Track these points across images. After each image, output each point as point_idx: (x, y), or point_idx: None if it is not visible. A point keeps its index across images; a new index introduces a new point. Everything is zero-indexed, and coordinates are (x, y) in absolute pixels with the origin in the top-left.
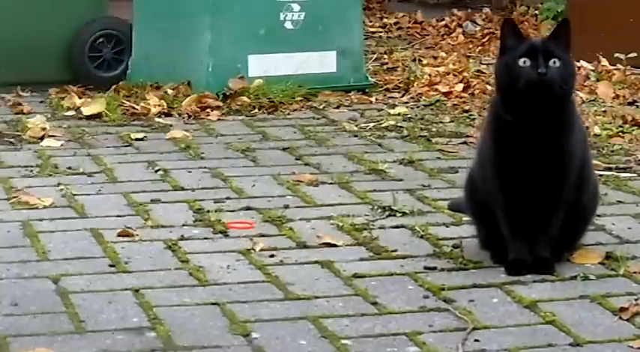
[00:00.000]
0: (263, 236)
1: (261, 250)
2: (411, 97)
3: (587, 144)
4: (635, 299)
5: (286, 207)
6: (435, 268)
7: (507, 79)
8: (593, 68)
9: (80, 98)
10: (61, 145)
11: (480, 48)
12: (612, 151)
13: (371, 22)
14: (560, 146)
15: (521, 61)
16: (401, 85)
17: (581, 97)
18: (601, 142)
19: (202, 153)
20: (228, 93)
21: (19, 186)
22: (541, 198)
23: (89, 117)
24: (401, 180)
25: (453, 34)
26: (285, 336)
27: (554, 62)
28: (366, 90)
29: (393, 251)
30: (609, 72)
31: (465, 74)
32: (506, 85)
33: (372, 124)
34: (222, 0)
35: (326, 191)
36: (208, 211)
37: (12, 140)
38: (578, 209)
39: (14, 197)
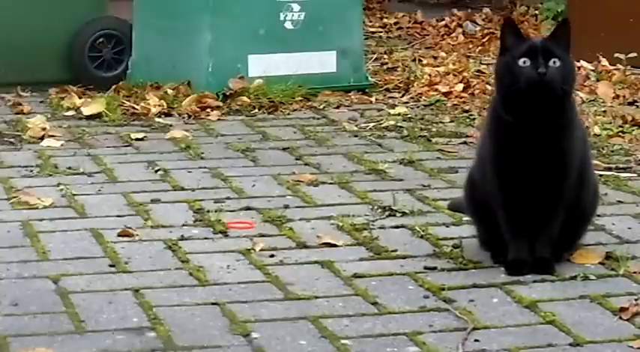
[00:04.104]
0: (263, 236)
1: (261, 250)
2: (411, 97)
3: (587, 144)
4: (635, 299)
5: (286, 207)
6: (435, 268)
7: (507, 79)
8: (593, 68)
9: (80, 98)
10: (61, 145)
11: (480, 48)
12: (612, 151)
13: (371, 22)
14: (560, 146)
15: (521, 61)
16: (401, 85)
17: (581, 97)
18: (601, 142)
19: (202, 153)
20: (228, 93)
21: (19, 186)
22: (541, 198)
23: (89, 117)
24: (401, 180)
25: (453, 34)
26: (285, 336)
27: (554, 62)
28: (366, 90)
29: (393, 251)
30: (609, 72)
31: (465, 74)
32: (506, 85)
33: (372, 124)
34: (222, 0)
35: (326, 191)
36: (208, 211)
37: (12, 140)
38: (578, 209)
39: (14, 197)
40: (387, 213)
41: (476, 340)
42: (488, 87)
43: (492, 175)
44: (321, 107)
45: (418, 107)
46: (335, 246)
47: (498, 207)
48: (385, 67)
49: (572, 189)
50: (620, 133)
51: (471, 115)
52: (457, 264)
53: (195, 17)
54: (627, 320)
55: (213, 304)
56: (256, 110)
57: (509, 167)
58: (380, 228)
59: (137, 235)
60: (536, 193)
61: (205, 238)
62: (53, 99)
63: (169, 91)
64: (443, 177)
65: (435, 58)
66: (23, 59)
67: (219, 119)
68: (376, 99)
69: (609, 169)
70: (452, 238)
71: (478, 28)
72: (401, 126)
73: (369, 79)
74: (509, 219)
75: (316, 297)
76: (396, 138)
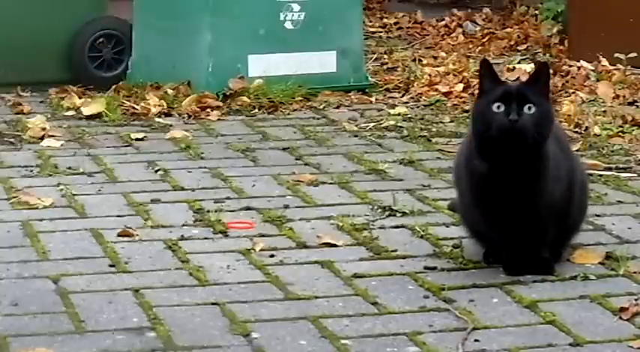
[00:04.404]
0: (263, 236)
1: (261, 250)
2: (411, 97)
3: (573, 157)
4: (635, 299)
5: (286, 207)
6: (435, 268)
7: (480, 124)
8: (593, 68)
9: (80, 98)
10: (61, 145)
11: (479, 48)
12: (612, 151)
13: (371, 22)
14: (535, 194)
15: (494, 107)
16: (401, 85)
17: (581, 97)
18: (601, 142)
19: (202, 153)
20: (228, 93)
21: (19, 186)
22: (527, 227)
23: (89, 117)
24: (401, 180)
25: (453, 34)
26: (285, 336)
27: (529, 108)
28: (366, 90)
29: (393, 251)
30: (609, 72)
31: (465, 74)
32: (479, 130)
33: (372, 124)
34: (222, 0)
35: (326, 191)
36: (208, 211)
37: (12, 140)
38: (567, 221)
39: (14, 197)
40: (387, 213)
41: (476, 340)
42: None
43: (474, 210)
44: (321, 107)
45: (418, 107)
46: (335, 246)
47: (486, 229)
48: (385, 67)
49: (555, 217)
50: (620, 133)
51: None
52: (457, 264)
53: (195, 17)
54: (627, 320)
55: (213, 304)
56: (256, 110)
57: (489, 208)
58: (380, 228)
59: (137, 235)
60: (521, 225)
61: (205, 238)
62: (53, 99)
63: (169, 91)
64: (443, 177)
65: (435, 58)
66: (23, 59)
67: (219, 119)
68: (376, 99)
69: (609, 169)
70: (452, 238)
71: (478, 28)
72: (401, 126)
73: (369, 79)
74: (499, 237)
75: (316, 297)
76: (396, 138)
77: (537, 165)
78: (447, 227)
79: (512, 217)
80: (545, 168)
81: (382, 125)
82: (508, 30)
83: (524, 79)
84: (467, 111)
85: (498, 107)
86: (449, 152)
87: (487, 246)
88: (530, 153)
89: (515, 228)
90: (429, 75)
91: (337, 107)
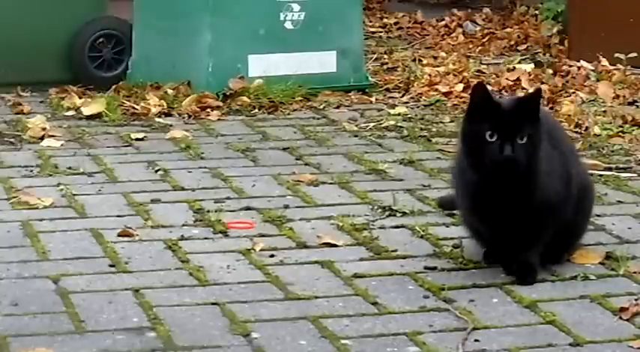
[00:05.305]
0: (263, 236)
1: (261, 250)
2: (411, 97)
3: (579, 163)
4: (635, 299)
5: (286, 207)
6: (435, 268)
7: (473, 148)
8: (593, 68)
9: (80, 98)
10: (61, 145)
11: (480, 48)
12: (612, 151)
13: (371, 22)
14: (527, 195)
15: (487, 134)
16: (401, 85)
17: (581, 97)
18: (601, 142)
19: (202, 153)
20: (228, 93)
21: (19, 186)
22: (520, 229)
23: (89, 117)
24: (401, 180)
25: (453, 34)
26: (285, 336)
27: (522, 138)
28: (366, 90)
29: (393, 251)
30: (609, 72)
31: (465, 74)
32: (471, 153)
33: (372, 124)
34: (222, 0)
35: (326, 191)
36: (208, 211)
37: (12, 140)
38: (563, 219)
39: (14, 197)
40: (387, 213)
41: (476, 340)
42: (489, 87)
43: (468, 212)
44: (321, 107)
45: (418, 107)
46: (335, 246)
47: (483, 231)
48: (385, 67)
49: (553, 220)
50: (620, 133)
51: None
52: (457, 264)
53: (195, 17)
54: (627, 320)
55: (213, 304)
56: (256, 110)
57: (483, 213)
58: (380, 228)
59: (137, 235)
60: (515, 225)
61: (205, 238)
62: (53, 99)
63: (169, 91)
64: (443, 177)
65: (435, 58)
66: (23, 59)
67: (219, 119)
68: (376, 99)
69: (609, 169)
70: (452, 238)
71: (478, 28)
72: (401, 126)
73: (369, 79)
74: (494, 239)
75: (316, 297)
76: (396, 138)
77: (529, 184)
78: (447, 227)
79: (505, 219)
80: (536, 174)
81: (382, 125)
82: (508, 30)
83: (517, 97)
84: None
85: (491, 136)
86: (449, 152)
87: (487, 245)
88: (523, 177)
89: (510, 230)
90: (429, 75)
91: (337, 107)
